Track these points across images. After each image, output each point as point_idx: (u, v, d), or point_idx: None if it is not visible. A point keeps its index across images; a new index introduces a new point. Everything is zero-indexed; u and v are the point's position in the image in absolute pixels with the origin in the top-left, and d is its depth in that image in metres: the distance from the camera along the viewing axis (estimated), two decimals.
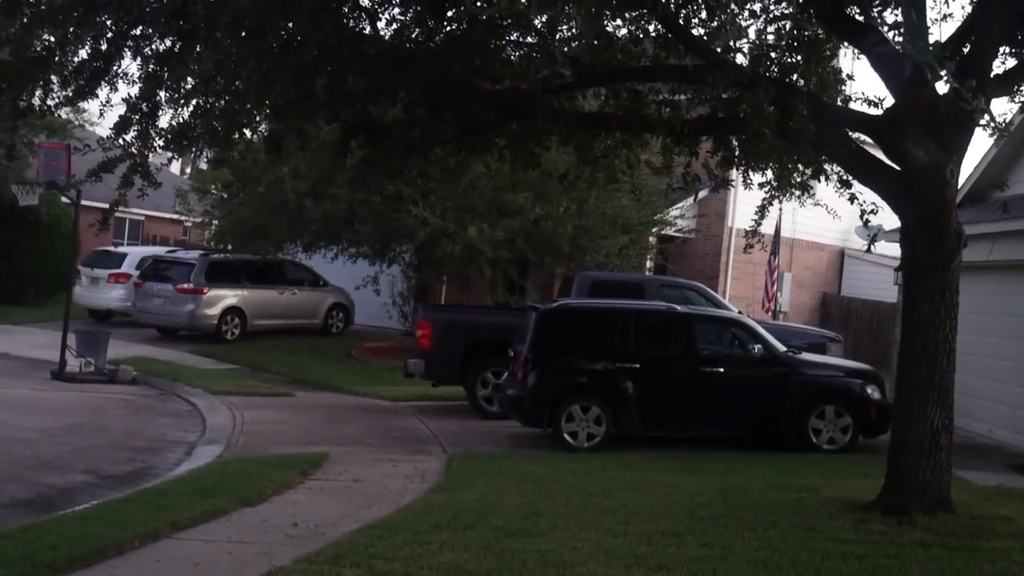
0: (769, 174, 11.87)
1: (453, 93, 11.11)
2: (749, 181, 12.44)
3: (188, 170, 31.19)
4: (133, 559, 8.48)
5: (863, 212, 10.83)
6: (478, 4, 10.11)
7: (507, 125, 12.06)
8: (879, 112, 10.50)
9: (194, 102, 10.60)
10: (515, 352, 14.90)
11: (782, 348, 15.07)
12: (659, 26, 10.66)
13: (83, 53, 10.10)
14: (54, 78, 10.38)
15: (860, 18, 9.87)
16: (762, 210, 11.98)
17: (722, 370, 14.69)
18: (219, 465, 12.46)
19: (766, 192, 12.04)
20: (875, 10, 9.42)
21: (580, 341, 14.66)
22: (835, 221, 15.46)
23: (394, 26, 10.88)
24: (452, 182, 17.00)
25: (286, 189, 23.07)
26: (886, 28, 9.50)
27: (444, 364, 17.21)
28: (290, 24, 9.61)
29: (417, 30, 10.85)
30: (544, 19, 9.95)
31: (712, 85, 9.89)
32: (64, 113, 24.06)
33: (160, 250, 29.48)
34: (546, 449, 13.98)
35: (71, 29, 9.67)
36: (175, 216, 34.97)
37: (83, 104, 13.89)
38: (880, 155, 10.54)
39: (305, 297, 26.87)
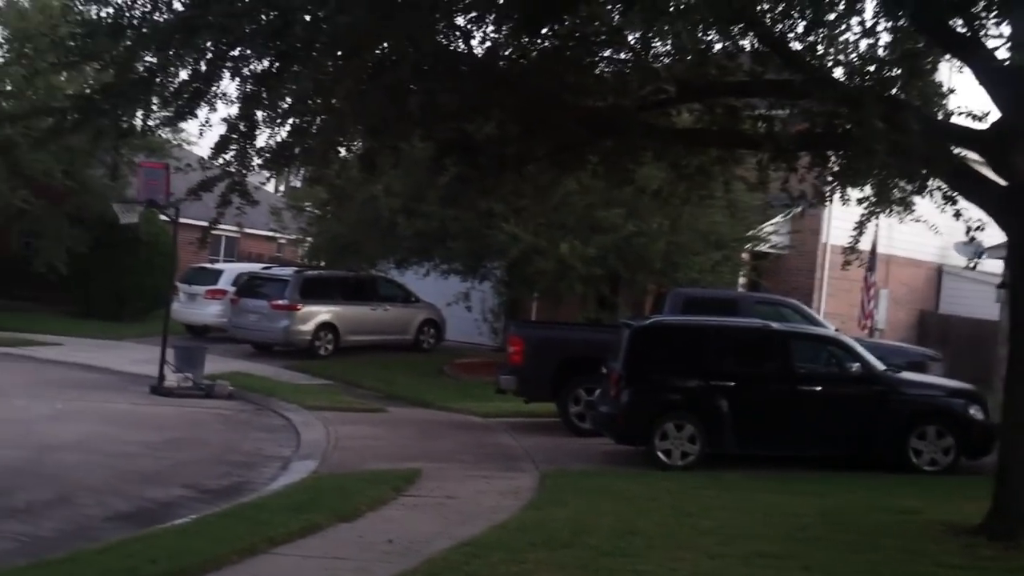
0: (868, 190, 11.62)
1: (547, 110, 11.07)
2: (847, 197, 12.19)
3: (282, 188, 31.60)
4: (232, 574, 8.55)
5: (968, 229, 10.55)
6: (574, 20, 10.07)
7: (601, 142, 11.98)
8: (985, 126, 10.22)
9: (291, 121, 10.71)
10: (608, 369, 14.80)
11: (881, 366, 14.75)
12: (755, 40, 10.51)
13: (183, 74, 10.27)
14: (155, 99, 10.56)
15: (964, 31, 9.63)
16: (861, 227, 11.74)
17: (819, 388, 14.43)
18: (314, 480, 12.56)
19: (865, 208, 11.79)
20: (981, 22, 9.17)
21: (674, 358, 14.51)
22: (932, 237, 15.11)
23: (487, 44, 10.87)
24: (544, 199, 16.94)
25: (379, 206, 23.23)
26: (993, 40, 9.26)
27: (536, 381, 17.15)
28: (386, 44, 9.66)
29: (511, 48, 10.84)
30: (638, 35, 9.84)
31: (819, 101, 9.71)
32: (163, 133, 24.53)
33: (255, 267, 29.86)
34: (640, 467, 13.85)
35: (172, 51, 9.83)
36: (270, 233, 35.45)
37: (182, 124, 14.17)
38: (985, 170, 10.26)
39: (397, 313, 27.01)
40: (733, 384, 14.23)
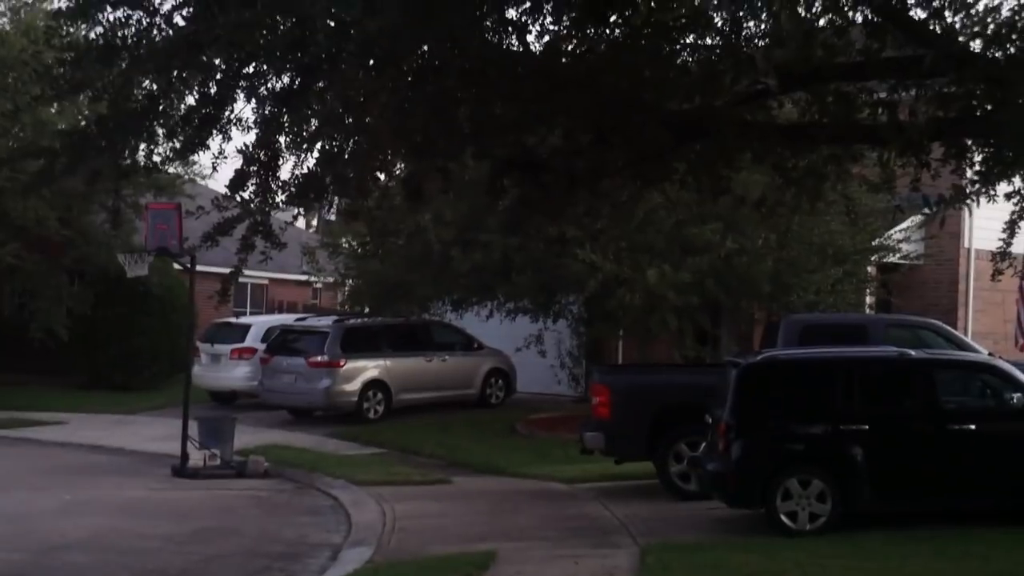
0: (1018, 182, 11.40)
1: (622, 113, 10.99)
2: (993, 193, 11.97)
3: (315, 224, 31.99)
4: None
5: None
6: (648, 4, 9.99)
7: (689, 146, 11.89)
8: None
9: (319, 147, 10.75)
10: (714, 418, 14.66)
11: None
12: (868, 11, 10.39)
13: (190, 99, 10.35)
14: (159, 130, 10.65)
15: None
16: (1012, 227, 11.52)
17: (973, 427, 14.20)
18: (370, 571, 12.56)
19: (1015, 204, 11.57)
20: None
21: (794, 401, 14.35)
22: None
23: (546, 39, 10.84)
24: (625, 218, 16.86)
25: (429, 239, 23.33)
26: None
27: (628, 436, 17.03)
28: (425, 48, 9.66)
29: (575, 42, 10.80)
30: (726, 17, 9.76)
31: (954, 80, 9.54)
32: (171, 168, 24.82)
33: (288, 318, 30.06)
34: (760, 534, 13.68)
35: (175, 73, 9.91)
36: (302, 277, 35.71)
37: (193, 156, 14.29)
38: None
39: (457, 364, 27.02)
40: (867, 427, 14.03)
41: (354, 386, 25.38)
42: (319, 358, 25.26)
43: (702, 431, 15.33)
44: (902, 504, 14.16)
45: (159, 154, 11.21)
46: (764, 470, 13.97)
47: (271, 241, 11.45)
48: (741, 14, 8.13)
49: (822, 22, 10.53)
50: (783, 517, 13.82)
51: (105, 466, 20.76)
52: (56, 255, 30.75)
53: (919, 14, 10.00)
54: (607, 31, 10.62)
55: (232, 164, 10.86)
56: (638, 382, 18.11)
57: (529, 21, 10.31)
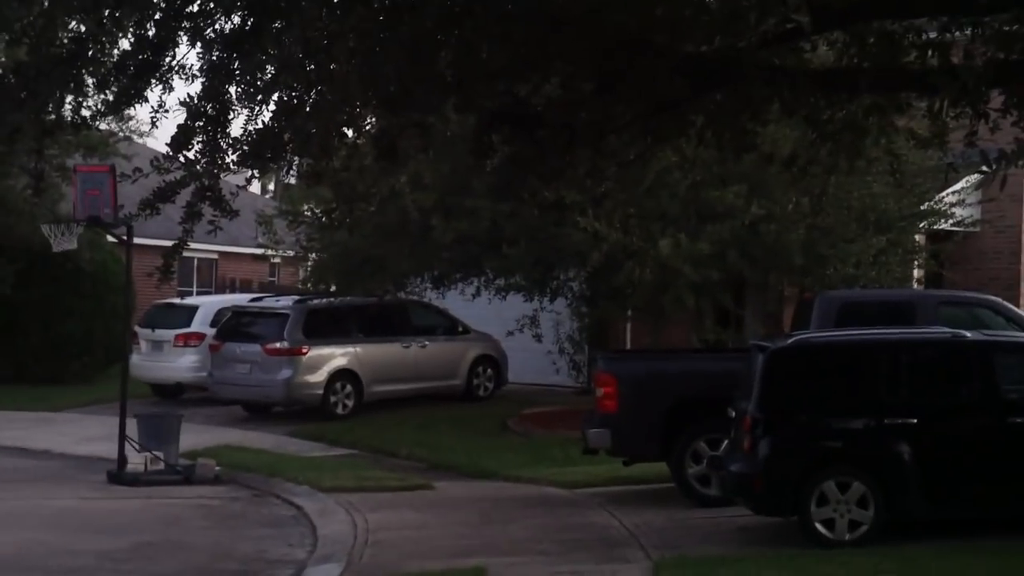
0: None
1: (630, 59, 11.01)
2: None
3: (272, 189, 31.99)
4: None
5: None
6: None
7: (708, 95, 11.88)
8: None
9: (276, 98, 10.73)
10: (738, 411, 14.69)
11: None
12: None
13: (124, 43, 10.34)
14: (89, 79, 10.63)
15: None
16: None
17: None
18: None
19: None
20: None
21: (830, 391, 14.38)
22: None
23: None
24: (633, 180, 16.86)
25: (405, 205, 23.28)
26: None
27: (638, 433, 17.04)
28: None
29: None
30: None
31: (1016, 18, 9.54)
32: (104, 124, 24.79)
33: (241, 298, 30.00)
34: (792, 546, 13.71)
35: (107, 12, 9.88)
36: (258, 251, 35.68)
37: (129, 111, 14.24)
38: None
39: (439, 350, 27.03)
40: (916, 421, 14.05)
41: (319, 377, 25.35)
42: (278, 345, 25.25)
43: (724, 427, 15.37)
44: (956, 510, 14.18)
45: (89, 107, 11.22)
46: (796, 471, 13.97)
47: (220, 209, 11.45)
48: None
49: None
50: (818, 525, 13.84)
51: (30, 471, 20.71)
52: None
53: None
54: None
55: (174, 119, 10.84)
56: (650, 370, 18.08)
57: None
